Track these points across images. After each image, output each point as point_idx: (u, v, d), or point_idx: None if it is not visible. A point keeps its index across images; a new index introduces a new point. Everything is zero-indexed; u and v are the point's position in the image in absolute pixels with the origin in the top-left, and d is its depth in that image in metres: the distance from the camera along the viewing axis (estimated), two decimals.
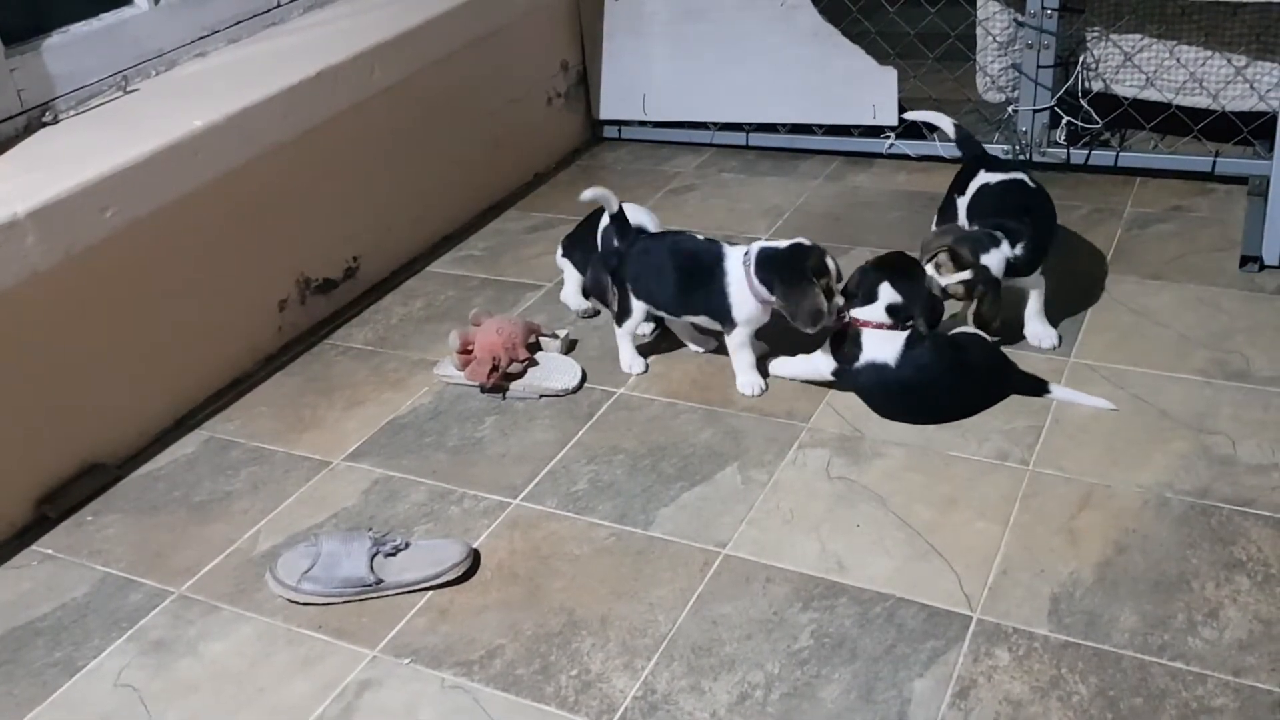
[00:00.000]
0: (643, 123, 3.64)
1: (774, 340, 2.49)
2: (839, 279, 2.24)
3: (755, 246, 2.27)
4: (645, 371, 2.43)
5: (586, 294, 2.68)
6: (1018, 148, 3.12)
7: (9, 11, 2.38)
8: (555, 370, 2.42)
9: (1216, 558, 1.82)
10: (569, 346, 2.54)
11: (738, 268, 2.27)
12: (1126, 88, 3.08)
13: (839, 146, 3.41)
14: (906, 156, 3.33)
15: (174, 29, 2.67)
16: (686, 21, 3.43)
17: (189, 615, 1.90)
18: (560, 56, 3.55)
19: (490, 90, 3.26)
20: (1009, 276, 2.30)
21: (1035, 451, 2.09)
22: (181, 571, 1.99)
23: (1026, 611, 1.75)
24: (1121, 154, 3.08)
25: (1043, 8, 2.95)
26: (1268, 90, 2.88)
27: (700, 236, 2.38)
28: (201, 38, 2.73)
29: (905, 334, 2.18)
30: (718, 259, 2.29)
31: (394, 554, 1.91)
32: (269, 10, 2.91)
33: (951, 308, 2.31)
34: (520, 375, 2.41)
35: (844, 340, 2.24)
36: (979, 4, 3.17)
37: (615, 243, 2.40)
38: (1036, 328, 2.39)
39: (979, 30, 3.20)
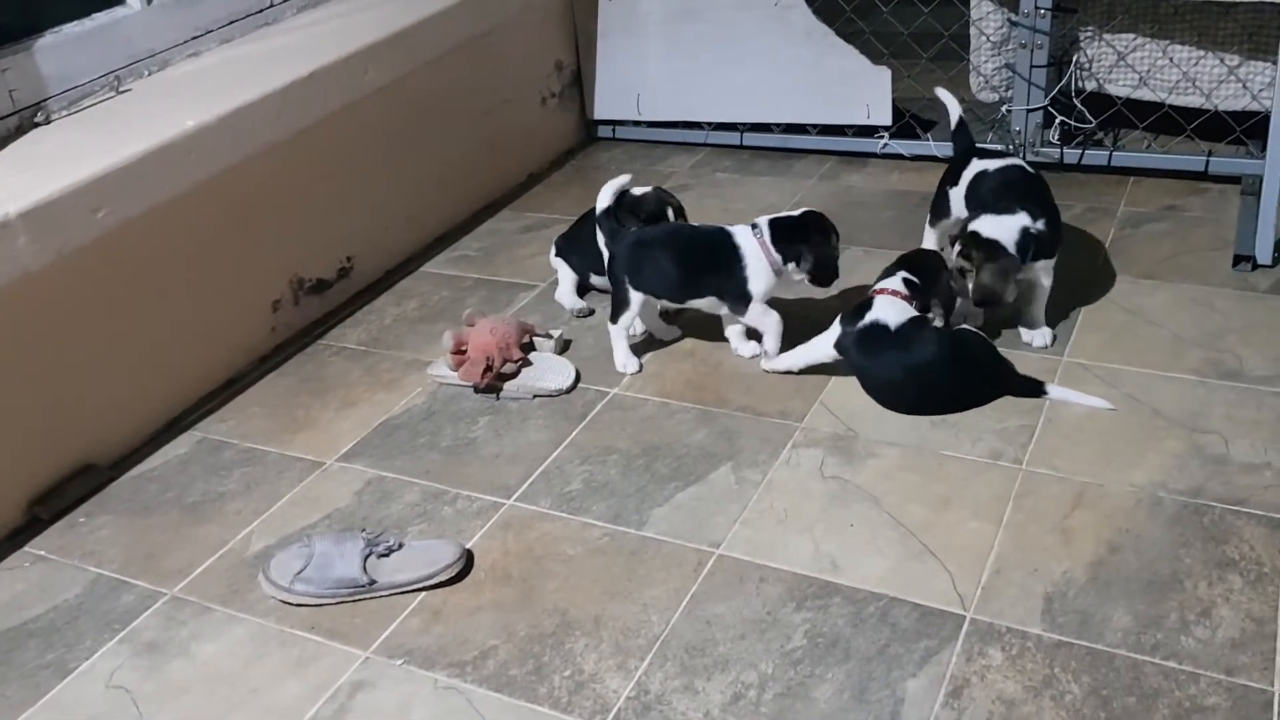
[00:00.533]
0: (637, 122, 3.64)
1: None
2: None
3: (763, 220, 2.34)
4: (640, 371, 2.43)
5: (582, 292, 2.70)
6: (1011, 147, 3.12)
7: (1, 11, 2.38)
8: (549, 370, 2.42)
9: (1209, 557, 1.82)
10: (563, 347, 2.54)
11: (750, 242, 2.32)
12: (1120, 87, 3.08)
13: (833, 146, 3.41)
14: (900, 156, 3.33)
15: (167, 29, 2.67)
16: (681, 21, 3.43)
17: (181, 616, 1.89)
18: (554, 56, 3.55)
19: (484, 90, 3.26)
20: (1034, 257, 2.29)
21: (1029, 451, 2.09)
22: (174, 573, 1.99)
23: (1020, 611, 1.75)
24: (1115, 153, 3.08)
25: (1036, 7, 2.95)
26: (1260, 90, 2.88)
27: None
28: (194, 38, 2.73)
29: (912, 310, 2.22)
30: (726, 237, 2.35)
31: (387, 555, 1.91)
32: (262, 10, 2.90)
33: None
34: (514, 375, 2.40)
35: (853, 309, 2.26)
36: (972, 4, 3.17)
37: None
38: (1035, 324, 2.39)
39: (973, 30, 3.20)
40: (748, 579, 1.86)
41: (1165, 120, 3.04)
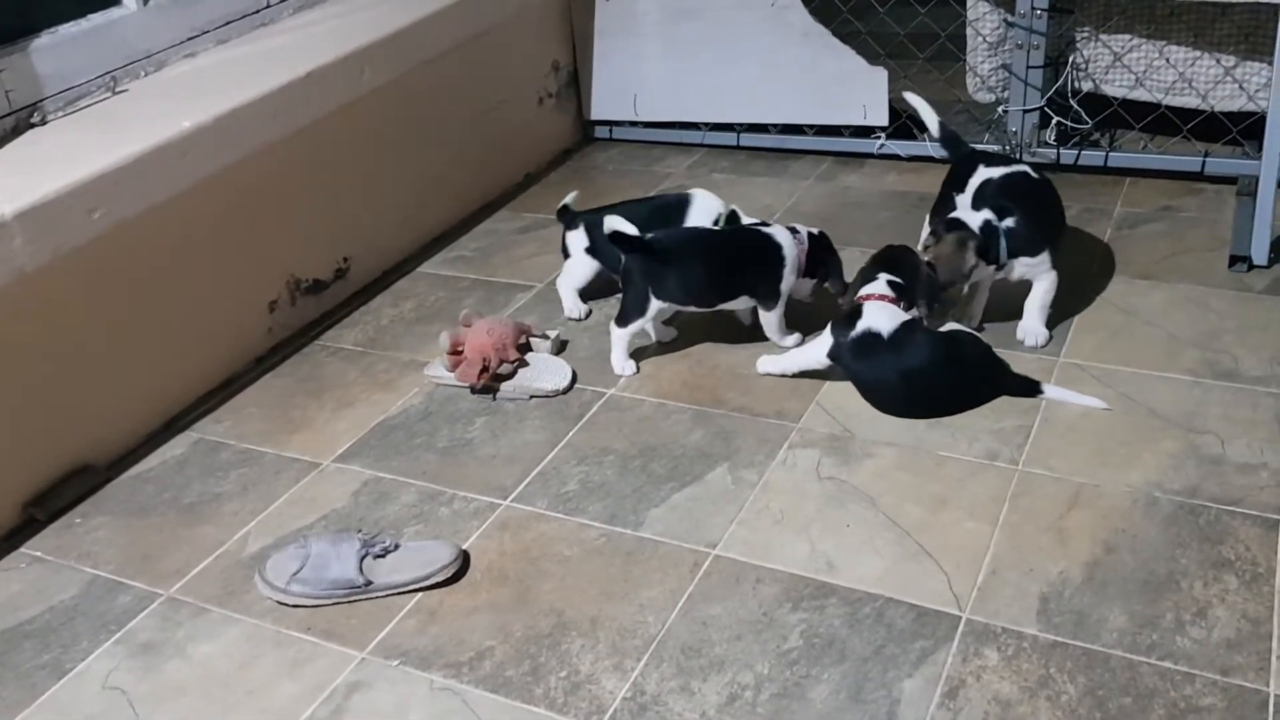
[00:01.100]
0: (634, 123, 3.64)
1: (765, 341, 2.49)
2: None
3: (803, 230, 2.45)
4: (637, 373, 2.43)
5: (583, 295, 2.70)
6: (1008, 148, 3.13)
7: None
8: (546, 371, 2.42)
9: (1205, 557, 1.82)
10: (559, 347, 2.54)
11: (791, 245, 2.40)
12: (1116, 88, 3.08)
13: (830, 147, 3.41)
14: (897, 157, 3.33)
15: (163, 30, 2.67)
16: (678, 22, 3.43)
17: (178, 617, 1.89)
18: (551, 56, 3.55)
19: (481, 91, 3.26)
20: (1010, 254, 2.32)
21: (1025, 451, 2.09)
22: (170, 573, 1.99)
23: (1015, 611, 1.75)
24: (1111, 154, 3.09)
25: (1032, 8, 2.96)
26: (1256, 90, 2.89)
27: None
28: (191, 38, 2.73)
29: (904, 315, 2.22)
30: (767, 240, 2.40)
31: (383, 555, 1.90)
32: (258, 11, 2.90)
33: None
34: (510, 376, 2.40)
35: (844, 318, 2.25)
36: (969, 4, 3.18)
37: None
38: (1029, 323, 2.40)
39: (969, 31, 3.20)
40: (744, 579, 1.86)
41: (1161, 121, 3.04)
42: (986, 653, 1.68)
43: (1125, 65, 3.04)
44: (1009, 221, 2.33)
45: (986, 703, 1.60)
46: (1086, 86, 3.10)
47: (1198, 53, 2.94)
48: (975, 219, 2.33)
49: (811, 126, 3.41)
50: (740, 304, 2.44)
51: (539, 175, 3.51)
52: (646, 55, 3.51)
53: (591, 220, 2.64)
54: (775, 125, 3.45)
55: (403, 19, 2.88)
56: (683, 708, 1.64)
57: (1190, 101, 3.00)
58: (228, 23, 2.81)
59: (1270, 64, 2.67)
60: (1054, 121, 3.10)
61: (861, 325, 2.21)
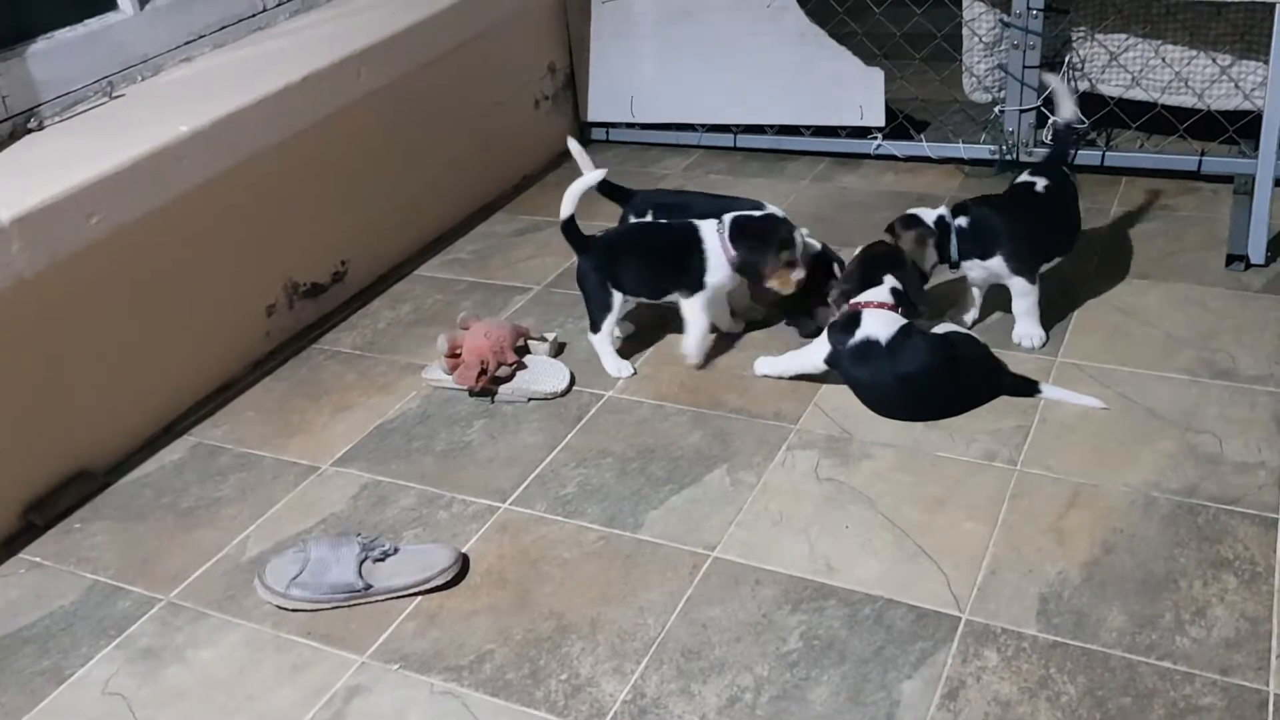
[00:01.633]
0: (630, 124, 3.64)
1: (764, 342, 2.49)
2: (803, 253, 2.40)
3: (728, 216, 2.40)
4: (634, 374, 2.43)
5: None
6: (1004, 147, 3.13)
7: None
8: (544, 373, 2.42)
9: (1204, 556, 1.82)
10: (557, 349, 2.54)
11: (713, 237, 2.38)
12: (1112, 87, 3.09)
13: (826, 147, 3.42)
14: (894, 157, 3.33)
15: (159, 34, 2.67)
16: (674, 24, 3.44)
17: (177, 622, 1.89)
18: (547, 59, 3.55)
19: (477, 93, 3.26)
20: (962, 255, 2.35)
21: (1023, 452, 2.09)
22: (169, 578, 1.99)
23: (1015, 612, 1.75)
24: (1108, 153, 3.09)
25: (1028, 8, 2.96)
26: (1252, 89, 2.89)
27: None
28: (187, 43, 2.73)
29: (901, 320, 2.21)
30: (694, 231, 2.40)
31: (383, 559, 1.90)
32: (254, 15, 2.90)
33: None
34: (508, 378, 2.40)
35: (842, 324, 2.25)
36: (965, 5, 3.18)
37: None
38: (1020, 328, 2.40)
39: (965, 31, 3.21)
40: (743, 582, 1.86)
41: (1158, 120, 3.04)
42: (986, 653, 1.68)
43: (1121, 65, 3.04)
44: (961, 221, 2.35)
45: (986, 703, 1.60)
46: (1083, 86, 3.11)
47: (1194, 52, 2.94)
48: (930, 215, 2.36)
49: (808, 127, 3.41)
50: (677, 297, 2.43)
51: (536, 177, 3.51)
52: (643, 57, 3.51)
53: (659, 202, 2.66)
54: (772, 126, 3.45)
55: (399, 22, 2.88)
56: (683, 710, 1.64)
57: (1186, 100, 3.00)
58: (224, 27, 2.81)
59: (1266, 62, 2.67)
60: (1050, 121, 3.10)
61: (860, 333, 2.20)
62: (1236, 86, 2.92)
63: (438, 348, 2.42)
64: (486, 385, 2.38)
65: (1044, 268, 2.41)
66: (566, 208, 2.37)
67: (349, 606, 1.88)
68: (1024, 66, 3.03)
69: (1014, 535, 1.90)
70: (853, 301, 2.25)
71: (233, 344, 2.57)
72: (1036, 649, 1.68)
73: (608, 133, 3.69)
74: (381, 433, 2.33)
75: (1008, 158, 3.13)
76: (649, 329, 2.58)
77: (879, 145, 3.34)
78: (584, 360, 2.49)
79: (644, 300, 2.47)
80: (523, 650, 1.77)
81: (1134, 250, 2.74)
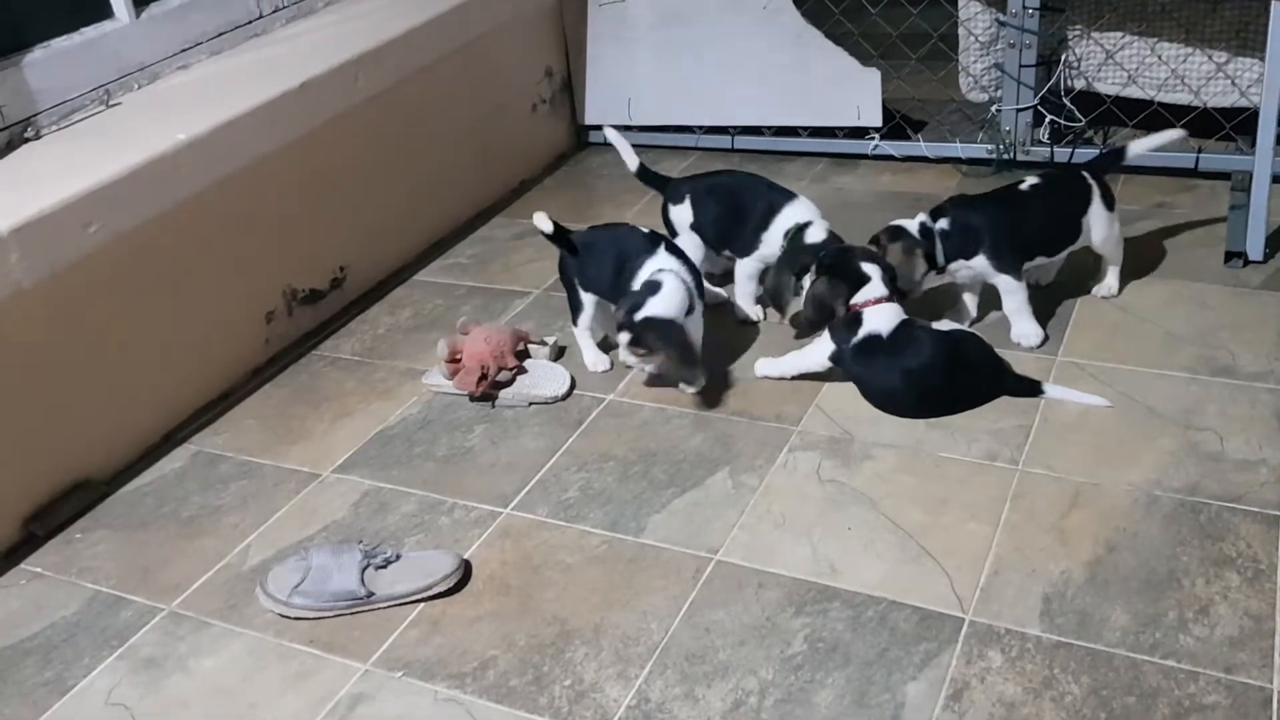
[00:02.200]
0: (628, 127, 3.63)
1: (763, 344, 2.49)
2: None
3: (666, 275, 2.35)
4: (610, 369, 2.44)
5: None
6: (1001, 147, 3.13)
7: None
8: (544, 378, 2.42)
9: (1206, 554, 1.82)
10: (558, 354, 2.54)
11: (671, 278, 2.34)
12: (1109, 85, 3.09)
13: (824, 148, 3.41)
14: (891, 157, 3.33)
15: (155, 42, 2.66)
16: (670, 26, 3.43)
17: (179, 632, 1.89)
18: (545, 63, 3.55)
19: (475, 98, 3.25)
20: (948, 257, 2.36)
21: (1024, 451, 2.09)
22: (171, 588, 1.98)
23: (1018, 612, 1.75)
24: (1105, 151, 3.09)
25: (1024, 7, 2.96)
26: (1249, 86, 2.89)
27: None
28: (183, 50, 2.72)
29: (902, 314, 2.22)
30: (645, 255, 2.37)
31: (385, 566, 1.90)
32: (251, 22, 2.90)
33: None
34: (509, 383, 2.40)
35: (845, 323, 2.25)
36: (961, 4, 3.18)
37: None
38: (1017, 328, 2.40)
39: (961, 30, 3.21)
40: (746, 585, 1.86)
41: (1155, 117, 3.04)
42: (990, 654, 1.68)
43: (1117, 63, 3.04)
44: (942, 224, 2.36)
45: (991, 704, 1.60)
46: (1079, 84, 3.11)
47: (1189, 49, 2.94)
48: (912, 224, 2.36)
49: (805, 128, 3.41)
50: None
51: (534, 181, 3.51)
52: (639, 60, 3.51)
53: (697, 190, 2.67)
54: (769, 127, 3.45)
55: (396, 28, 2.88)
56: (687, 715, 1.63)
57: (1183, 98, 3.00)
58: (220, 34, 2.81)
59: (1262, 59, 2.67)
60: (1047, 120, 3.10)
61: (863, 331, 2.21)
62: (1233, 83, 2.93)
63: (438, 353, 2.42)
64: (487, 390, 2.38)
65: (1028, 266, 2.40)
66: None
67: (351, 614, 1.88)
68: (1020, 65, 3.03)
69: (1017, 535, 1.90)
70: (853, 305, 2.25)
71: (232, 352, 2.57)
72: (1040, 649, 1.68)
73: (605, 136, 3.68)
74: (382, 439, 2.33)
75: (1005, 157, 3.13)
76: None
77: (876, 145, 3.34)
78: (584, 364, 2.49)
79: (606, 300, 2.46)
80: (526, 656, 1.77)
81: (1132, 248, 2.73)
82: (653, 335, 2.23)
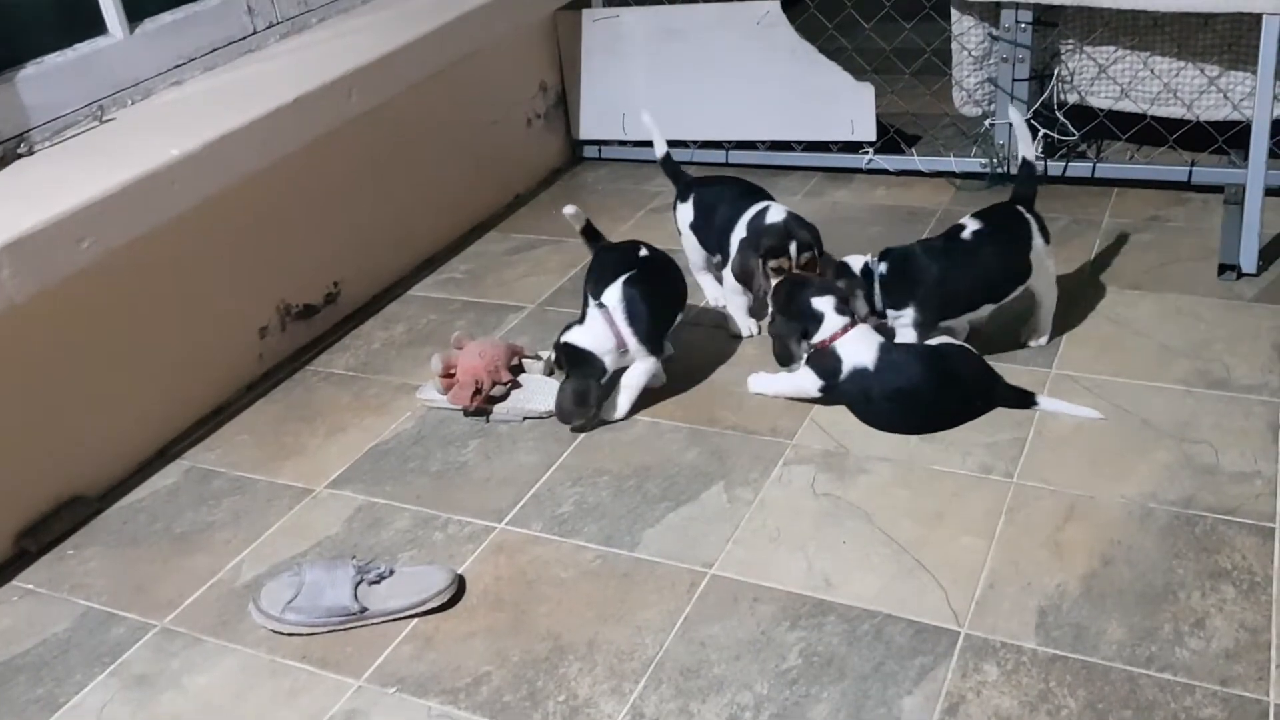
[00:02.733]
0: (622, 142, 3.65)
1: (757, 360, 2.49)
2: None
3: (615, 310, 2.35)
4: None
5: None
6: (995, 160, 3.14)
7: None
8: (538, 392, 2.41)
9: (1202, 567, 1.82)
10: (552, 368, 2.53)
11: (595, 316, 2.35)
12: (1102, 99, 3.10)
13: (818, 162, 3.42)
14: (885, 171, 3.34)
15: (149, 58, 2.66)
16: (664, 41, 3.44)
17: (172, 648, 1.88)
18: (539, 77, 3.56)
19: (469, 112, 3.26)
20: (885, 304, 2.32)
21: (1019, 464, 2.09)
22: (164, 604, 1.97)
23: (1014, 625, 1.74)
24: (1098, 165, 3.10)
25: (1016, 21, 2.97)
26: (1241, 99, 2.90)
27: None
28: (177, 66, 2.72)
29: (879, 339, 2.22)
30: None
31: (378, 582, 1.90)
32: (245, 37, 2.90)
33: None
34: (503, 398, 2.40)
35: (823, 360, 2.25)
36: (953, 19, 3.19)
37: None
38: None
39: (954, 45, 3.22)
40: (741, 599, 1.85)
41: (1148, 131, 3.05)
42: (986, 668, 1.68)
43: (1110, 77, 3.05)
44: (882, 268, 2.32)
45: (987, 718, 1.59)
46: (1072, 98, 3.12)
47: (1182, 63, 2.95)
48: (857, 264, 2.33)
49: (799, 143, 3.42)
50: None
51: (528, 196, 3.51)
52: (634, 75, 3.52)
53: (700, 191, 2.72)
54: (763, 142, 3.46)
55: (390, 43, 2.88)
56: None
57: (1176, 111, 3.01)
58: (214, 50, 2.81)
59: (1254, 73, 2.68)
60: (1040, 133, 3.11)
61: (847, 367, 2.21)
62: (1225, 97, 2.94)
63: (432, 368, 2.41)
64: (481, 405, 2.37)
65: (971, 317, 2.37)
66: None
67: (345, 630, 1.87)
68: (1013, 80, 3.04)
69: (1012, 548, 1.90)
70: (816, 343, 2.24)
71: (225, 367, 2.56)
72: (1036, 662, 1.68)
73: (600, 150, 3.70)
74: (376, 454, 2.32)
75: (999, 171, 3.14)
76: None
77: (870, 160, 3.34)
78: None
79: None
80: (520, 671, 1.76)
81: (1126, 261, 2.75)
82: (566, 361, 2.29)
